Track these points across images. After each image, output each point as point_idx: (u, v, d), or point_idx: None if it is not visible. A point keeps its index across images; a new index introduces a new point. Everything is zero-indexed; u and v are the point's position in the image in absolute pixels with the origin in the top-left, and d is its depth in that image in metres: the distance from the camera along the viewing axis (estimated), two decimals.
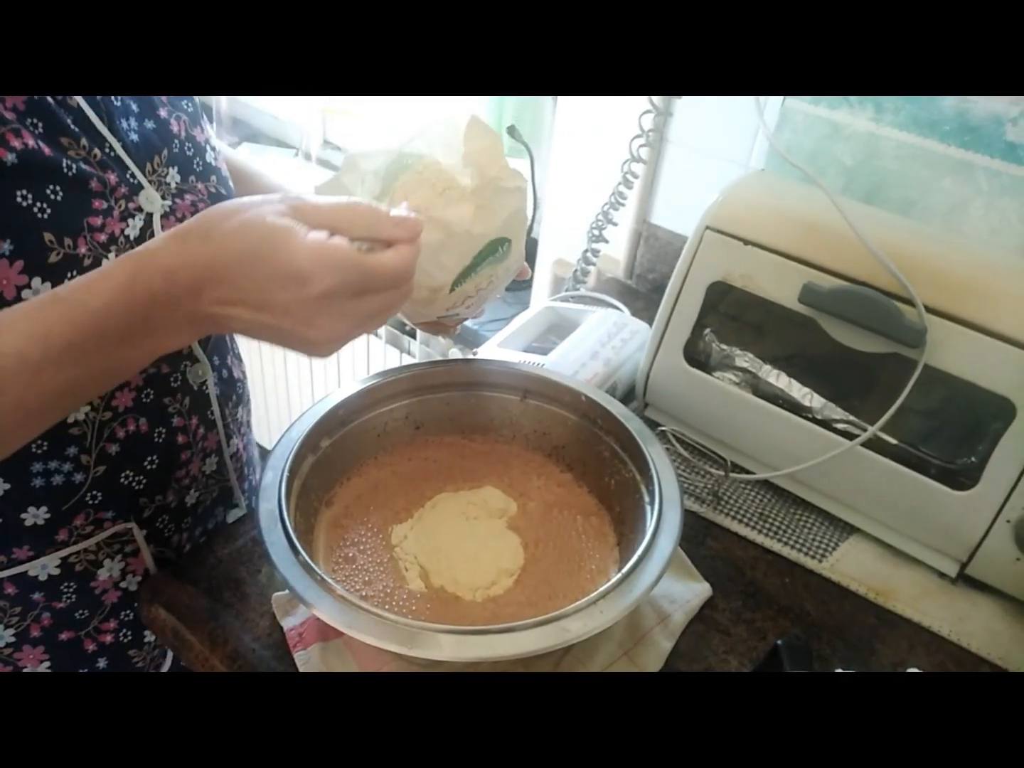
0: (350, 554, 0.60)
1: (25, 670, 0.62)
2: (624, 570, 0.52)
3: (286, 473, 0.57)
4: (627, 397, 0.84)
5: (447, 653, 0.47)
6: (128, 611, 0.64)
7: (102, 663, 0.64)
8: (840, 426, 0.69)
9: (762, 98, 0.72)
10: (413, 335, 1.27)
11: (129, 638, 0.65)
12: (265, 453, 0.64)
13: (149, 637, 0.67)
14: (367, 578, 0.58)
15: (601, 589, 0.51)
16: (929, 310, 0.63)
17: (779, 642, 0.50)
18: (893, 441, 0.67)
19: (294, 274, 0.43)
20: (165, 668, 0.69)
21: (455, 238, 0.54)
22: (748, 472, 0.75)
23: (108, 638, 0.64)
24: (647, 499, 0.60)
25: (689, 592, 0.63)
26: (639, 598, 0.51)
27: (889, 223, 0.73)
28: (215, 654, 0.57)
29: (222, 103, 1.96)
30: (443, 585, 0.58)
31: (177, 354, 0.61)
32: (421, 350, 1.28)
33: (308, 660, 0.56)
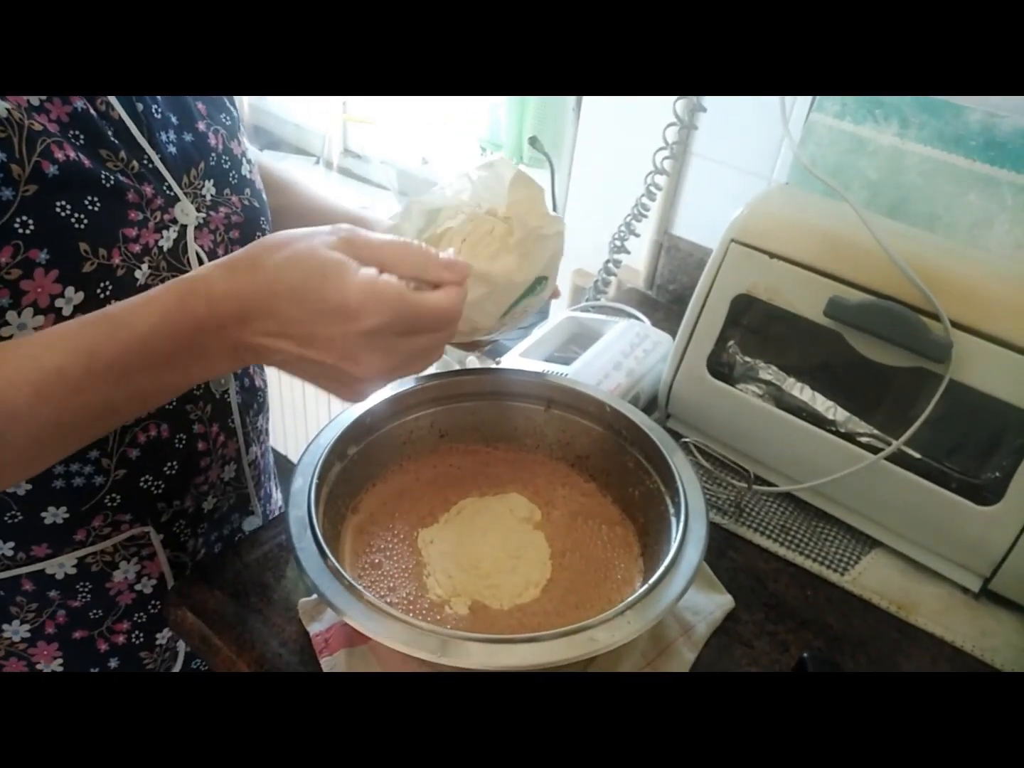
0: (376, 560, 0.60)
1: (38, 666, 0.62)
2: (651, 581, 0.53)
3: (315, 480, 0.58)
4: (649, 408, 0.84)
5: (475, 661, 0.48)
6: (141, 613, 0.65)
7: (113, 663, 0.65)
8: (864, 440, 0.69)
9: (788, 109, 0.73)
10: None
11: (141, 640, 0.66)
12: (280, 460, 0.64)
13: (161, 639, 0.67)
14: (392, 584, 0.59)
15: (628, 600, 0.51)
16: (955, 325, 0.63)
17: (805, 655, 0.50)
18: (917, 455, 0.67)
19: (344, 308, 0.43)
20: (176, 671, 0.70)
21: (499, 289, 0.56)
22: (771, 484, 0.75)
23: (120, 639, 0.65)
24: (672, 510, 0.60)
25: (712, 604, 0.64)
26: (666, 609, 0.51)
27: (914, 237, 0.73)
28: (242, 659, 0.58)
29: (244, 110, 1.98)
30: (469, 593, 0.59)
31: None
32: (441, 359, 1.28)
33: (334, 666, 0.56)
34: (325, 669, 0.56)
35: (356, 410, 0.65)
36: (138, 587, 0.64)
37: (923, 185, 0.83)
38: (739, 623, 0.63)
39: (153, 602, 0.65)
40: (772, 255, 0.70)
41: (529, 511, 0.66)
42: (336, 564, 0.52)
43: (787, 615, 0.64)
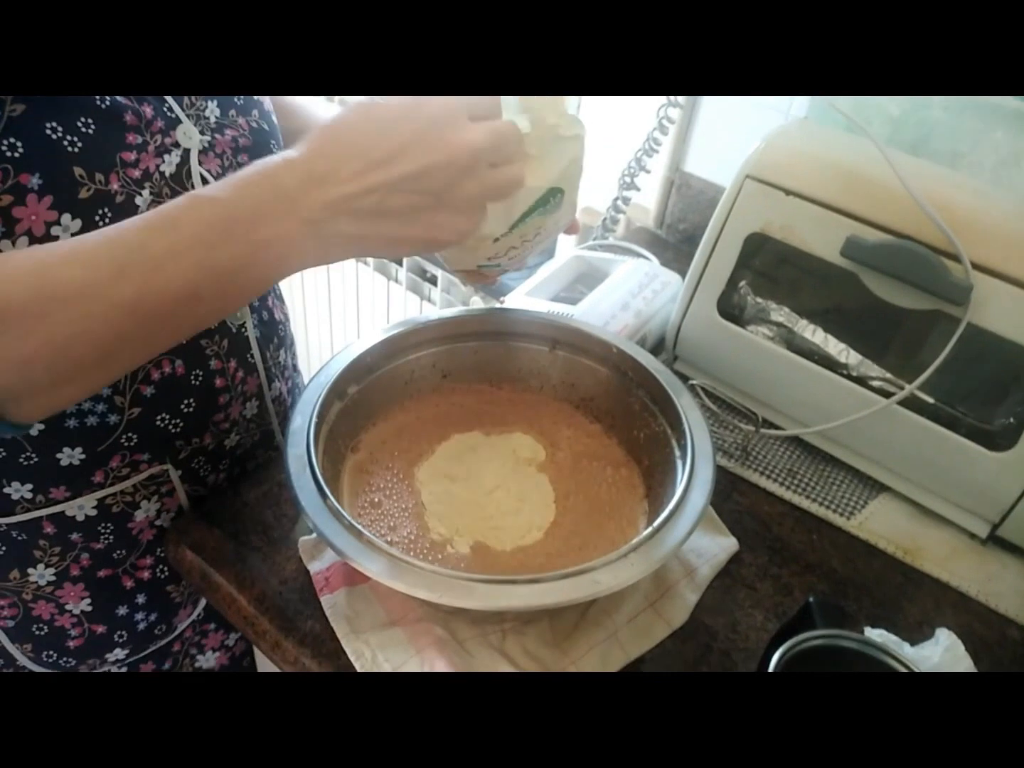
0: (376, 499, 0.60)
1: (67, 607, 0.62)
2: (656, 523, 0.52)
3: (314, 419, 0.57)
4: (656, 349, 0.83)
5: (476, 602, 0.47)
6: (163, 547, 0.65)
7: (141, 599, 0.65)
8: (876, 383, 0.68)
9: None
10: (434, 282, 1.26)
11: (166, 574, 0.66)
12: None
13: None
14: (392, 524, 0.58)
15: (632, 542, 0.50)
16: (975, 266, 0.61)
17: (811, 599, 0.49)
18: (930, 400, 0.65)
19: (451, 121, 0.44)
20: (203, 603, 0.70)
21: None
22: (778, 428, 0.74)
23: (146, 574, 0.64)
24: (678, 453, 0.59)
25: (716, 546, 0.63)
26: (670, 552, 0.51)
27: (936, 176, 0.70)
28: (242, 596, 0.57)
29: None
30: (471, 534, 0.58)
31: None
32: (442, 298, 1.26)
33: (334, 604, 0.56)
34: (326, 607, 0.56)
35: (356, 349, 0.63)
36: (159, 523, 0.64)
37: (947, 121, 0.80)
38: (743, 566, 0.63)
39: None
40: (788, 192, 0.68)
41: (533, 451, 0.65)
42: (335, 503, 0.51)
43: (792, 558, 0.64)
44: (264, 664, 0.76)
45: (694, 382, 0.74)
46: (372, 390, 0.65)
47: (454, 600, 0.47)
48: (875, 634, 0.54)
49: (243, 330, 0.63)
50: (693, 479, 0.55)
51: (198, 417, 0.62)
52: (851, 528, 0.66)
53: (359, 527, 0.50)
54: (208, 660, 0.72)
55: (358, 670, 0.53)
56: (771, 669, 0.43)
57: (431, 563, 0.54)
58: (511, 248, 0.57)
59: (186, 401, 0.60)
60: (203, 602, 0.70)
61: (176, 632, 0.69)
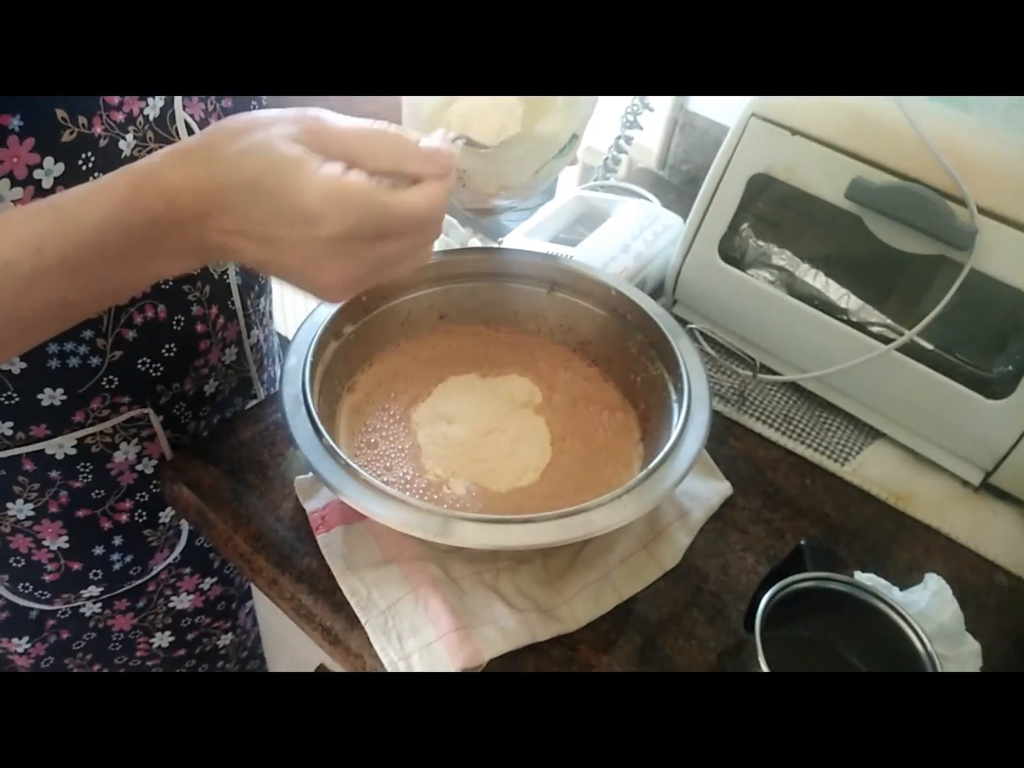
0: (372, 440, 0.60)
1: (44, 542, 0.63)
2: (650, 466, 0.52)
3: (309, 358, 0.56)
4: (656, 293, 0.82)
5: (470, 540, 0.48)
6: (143, 493, 0.65)
7: (117, 540, 0.65)
8: (875, 329, 0.67)
9: None
10: None
11: (144, 518, 0.66)
12: (284, 343, 0.63)
13: (164, 518, 0.68)
14: (388, 464, 0.58)
15: (626, 484, 0.51)
16: (982, 211, 0.60)
17: (802, 542, 0.49)
18: (929, 347, 0.65)
19: (302, 213, 0.38)
20: (179, 548, 0.71)
21: (543, 146, 0.55)
22: (776, 373, 0.74)
23: (124, 517, 0.65)
24: (674, 397, 0.59)
25: (709, 490, 0.63)
26: (663, 495, 0.51)
27: (946, 116, 0.68)
28: (239, 533, 0.58)
29: None
30: (467, 475, 0.58)
31: None
32: (441, 240, 1.24)
33: (330, 542, 0.56)
34: (322, 545, 0.56)
35: None
36: (139, 467, 0.64)
37: None
38: (736, 510, 0.63)
39: (155, 482, 0.65)
40: (794, 132, 0.66)
41: (530, 394, 0.65)
42: (331, 442, 0.51)
43: (784, 503, 0.64)
44: (273, 660, 0.77)
45: (693, 326, 0.73)
46: (368, 330, 0.64)
47: (448, 539, 0.48)
48: (865, 578, 0.54)
49: (225, 277, 0.63)
50: (688, 423, 0.55)
51: (179, 362, 0.61)
52: (845, 474, 0.67)
53: (354, 465, 0.50)
54: (182, 602, 0.73)
55: (353, 607, 0.53)
56: (760, 610, 0.43)
57: (427, 503, 0.55)
58: (525, 188, 0.58)
59: (167, 346, 0.60)
60: (180, 546, 0.71)
61: (151, 573, 0.70)
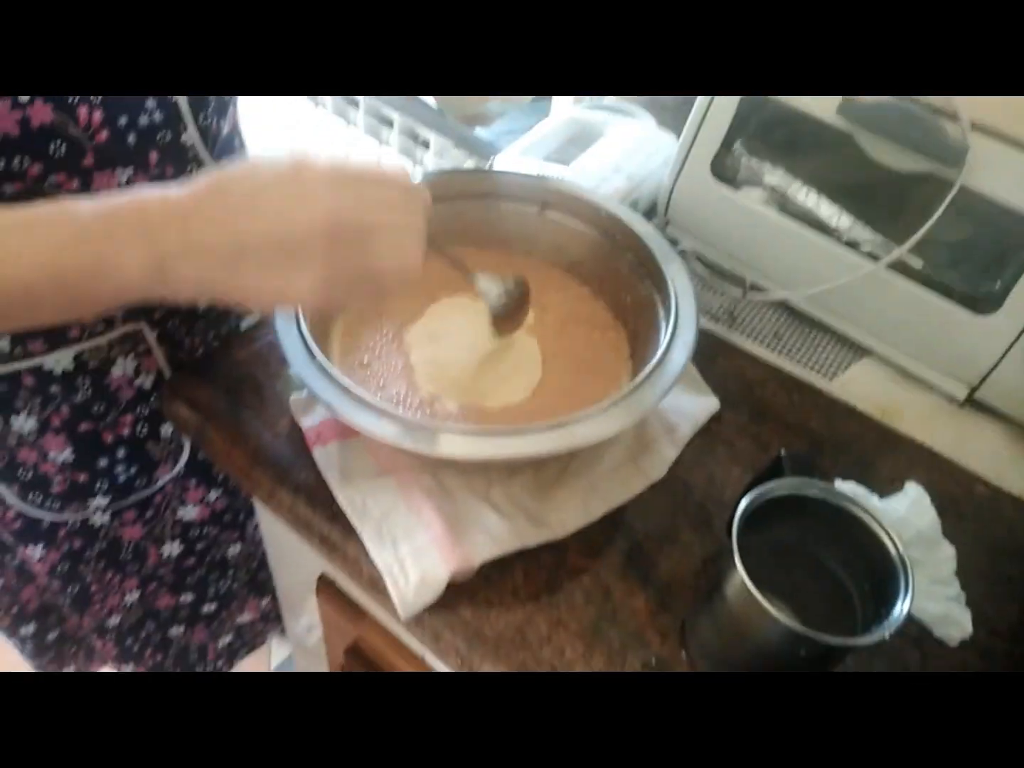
0: (364, 359, 0.61)
1: (50, 455, 0.65)
2: (636, 380, 0.53)
3: None
4: (649, 213, 0.82)
5: (459, 452, 0.49)
6: (144, 407, 0.67)
7: (121, 453, 0.68)
8: (866, 248, 0.67)
9: None
10: (427, 146, 1.22)
11: (146, 432, 0.68)
12: None
13: (166, 432, 0.70)
14: (381, 383, 0.59)
15: (612, 397, 0.52)
16: (974, 127, 0.59)
17: (782, 451, 0.51)
18: (918, 265, 0.65)
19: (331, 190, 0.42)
20: (182, 462, 0.73)
21: None
22: (759, 289, 0.74)
23: (126, 431, 0.67)
24: (663, 316, 0.60)
25: (697, 406, 0.64)
26: (648, 408, 0.52)
27: None
28: (237, 448, 0.60)
29: None
30: (459, 393, 0.60)
31: (181, 156, 0.59)
32: (436, 163, 1.23)
33: (326, 456, 0.58)
34: (318, 459, 0.58)
35: None
36: (137, 382, 0.66)
37: None
38: (723, 424, 0.65)
39: (154, 396, 0.67)
40: None
41: None
42: (324, 360, 0.52)
43: (771, 418, 0.66)
44: (278, 571, 0.80)
45: (683, 247, 0.74)
46: None
47: (437, 450, 0.49)
48: (845, 486, 0.56)
49: None
50: (675, 341, 0.56)
51: None
52: (832, 390, 0.68)
53: (345, 382, 0.51)
54: (189, 513, 0.76)
55: (348, 516, 0.55)
56: (737, 516, 0.45)
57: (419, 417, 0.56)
58: None
59: None
60: (183, 460, 0.73)
61: (157, 486, 0.72)
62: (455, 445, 0.49)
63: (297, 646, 0.97)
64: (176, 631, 0.87)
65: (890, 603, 0.44)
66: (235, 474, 0.61)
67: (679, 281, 0.60)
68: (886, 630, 0.41)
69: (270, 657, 1.23)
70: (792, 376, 0.69)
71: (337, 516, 0.56)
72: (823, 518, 0.48)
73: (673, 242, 0.76)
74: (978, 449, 0.65)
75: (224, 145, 0.63)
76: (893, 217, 0.67)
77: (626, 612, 0.54)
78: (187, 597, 0.84)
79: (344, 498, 0.56)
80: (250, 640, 0.97)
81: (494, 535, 0.54)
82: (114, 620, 0.81)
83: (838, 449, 0.64)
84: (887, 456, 0.64)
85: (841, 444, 0.64)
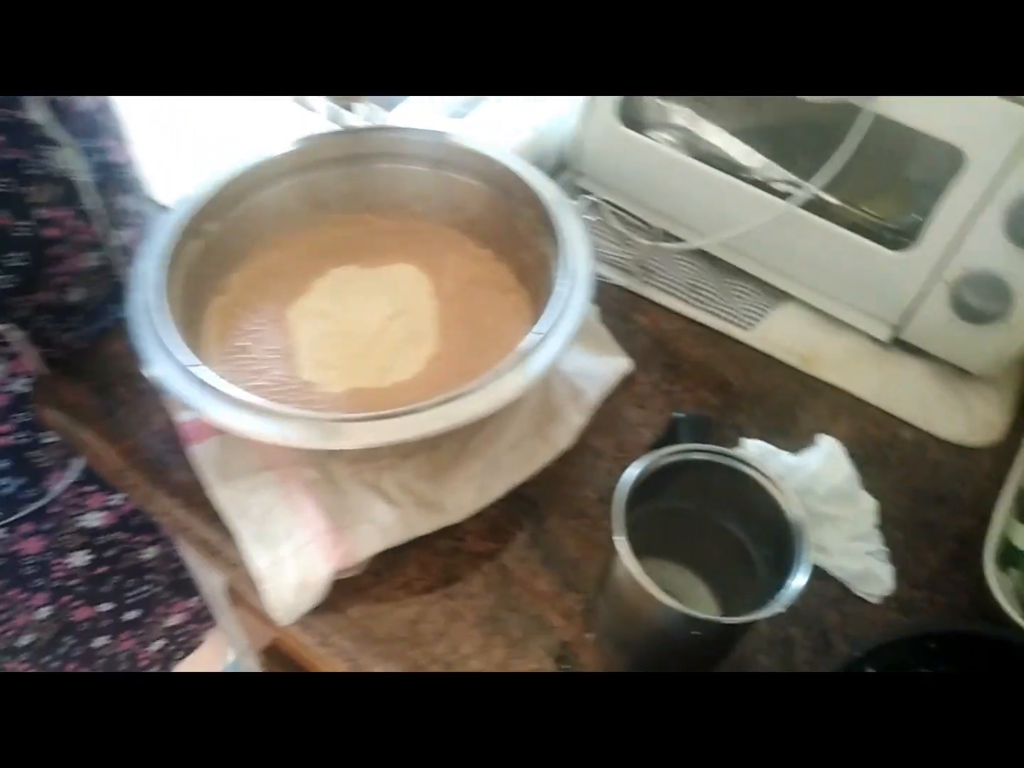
0: (243, 344, 0.57)
1: None
2: (523, 347, 0.49)
3: (162, 261, 0.53)
4: (560, 166, 0.77)
5: (320, 442, 0.45)
6: (19, 414, 0.62)
7: (3, 464, 0.64)
8: (780, 187, 0.63)
9: None
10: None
11: (27, 440, 0.64)
12: None
13: (49, 438, 0.66)
14: (259, 368, 0.55)
15: (503, 363, 0.48)
16: None
17: (676, 415, 0.47)
18: (834, 201, 0.61)
19: None
20: (76, 468, 0.69)
21: None
22: (676, 239, 0.70)
23: (9, 440, 0.63)
24: (558, 275, 0.56)
25: (606, 367, 0.61)
26: (535, 378, 0.48)
27: None
28: (113, 449, 0.56)
29: None
30: (345, 372, 0.56)
31: (28, 135, 0.54)
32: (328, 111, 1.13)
33: (204, 453, 0.54)
34: (195, 456, 0.54)
35: (213, 181, 0.58)
36: (11, 387, 0.61)
37: None
38: (635, 384, 0.61)
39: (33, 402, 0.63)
40: None
41: (415, 282, 0.62)
42: (185, 354, 0.48)
43: (685, 374, 0.62)
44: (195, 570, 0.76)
45: (590, 198, 0.69)
46: (237, 226, 0.60)
47: (316, 442, 0.46)
48: (752, 444, 0.53)
49: (72, 174, 0.58)
50: (569, 300, 0.52)
51: (32, 271, 0.58)
52: (749, 340, 0.64)
53: (206, 377, 0.47)
54: (92, 519, 0.72)
55: (227, 518, 0.52)
56: (618, 496, 0.41)
57: (297, 405, 0.52)
58: None
59: (16, 255, 0.56)
60: (78, 465, 0.69)
61: (51, 495, 0.68)
62: (339, 435, 0.46)
63: (231, 645, 0.95)
64: (100, 641, 0.84)
65: (788, 572, 0.41)
66: (111, 478, 0.57)
67: (573, 235, 0.56)
68: (780, 604, 0.38)
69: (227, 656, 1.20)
70: (708, 328, 0.65)
71: (217, 518, 0.52)
72: (720, 483, 0.45)
73: (586, 194, 0.72)
74: (904, 392, 0.62)
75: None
76: (807, 153, 0.63)
77: (528, 596, 0.51)
78: (105, 606, 0.80)
79: (222, 499, 0.52)
80: (184, 642, 0.94)
81: (382, 526, 0.51)
82: (27, 639, 0.78)
83: (755, 402, 0.61)
84: (808, 406, 0.61)
85: (759, 397, 0.61)
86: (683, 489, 0.46)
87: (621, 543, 0.40)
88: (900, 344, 0.64)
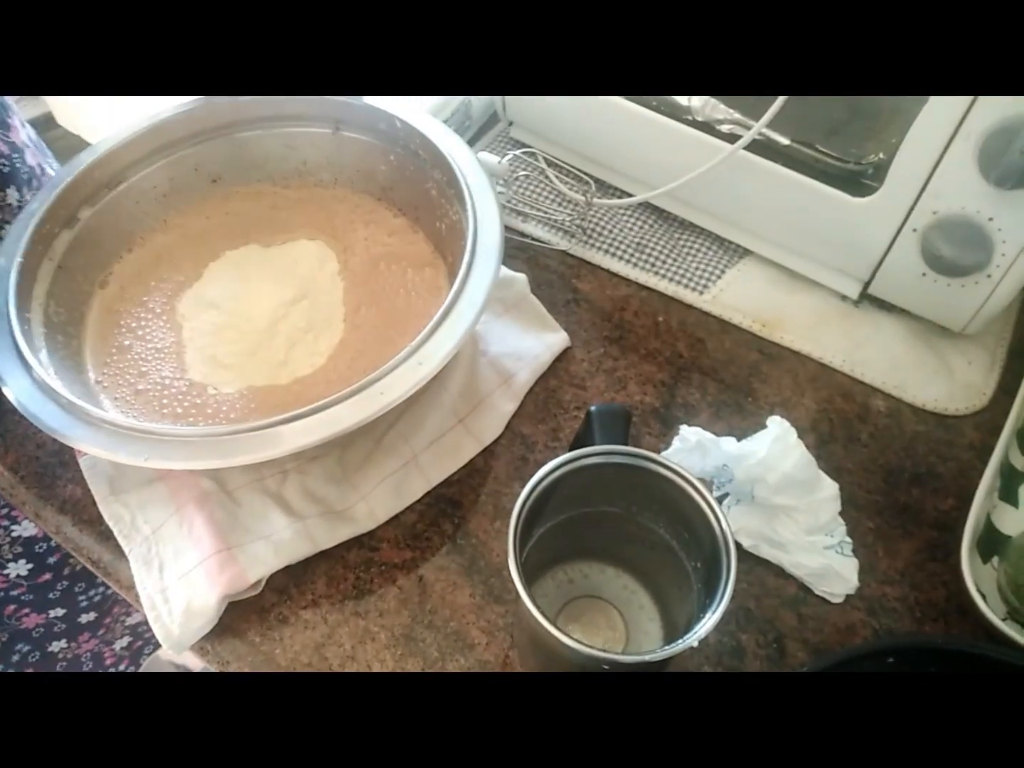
0: (125, 343, 0.51)
1: None
2: (425, 330, 0.43)
3: (23, 258, 0.47)
4: (491, 119, 0.69)
5: (226, 458, 0.40)
6: None
7: None
8: (725, 128, 0.56)
9: None
10: None
11: None
12: None
13: None
14: (143, 369, 0.50)
15: (412, 343, 0.42)
16: None
17: (591, 409, 0.41)
18: (784, 141, 0.54)
19: None
20: None
21: None
22: (626, 195, 0.63)
23: None
24: (469, 244, 0.49)
25: (540, 345, 0.55)
26: (439, 362, 0.42)
27: None
28: (0, 462, 0.51)
29: None
30: (238, 368, 0.50)
31: None
32: None
33: (95, 464, 0.49)
34: (84, 468, 0.49)
35: (81, 160, 0.52)
36: None
37: None
38: (573, 362, 0.55)
39: None
40: None
41: (320, 260, 0.55)
42: (37, 365, 0.43)
43: (631, 348, 0.56)
44: None
45: (530, 149, 0.62)
46: (116, 208, 0.54)
47: (199, 462, 0.40)
48: (690, 432, 0.47)
49: None
50: (471, 271, 0.46)
51: None
52: (703, 304, 0.57)
53: (60, 389, 0.42)
54: (26, 529, 0.68)
55: (116, 535, 0.47)
56: (517, 510, 0.36)
57: (183, 412, 0.47)
58: None
59: None
60: None
61: None
62: (222, 451, 0.40)
63: None
64: (58, 645, 0.80)
65: (713, 591, 0.35)
66: (1, 492, 0.52)
67: (482, 198, 0.49)
68: (693, 639, 0.33)
69: None
70: (658, 292, 0.59)
71: (108, 535, 0.48)
72: (645, 487, 0.39)
73: (522, 146, 0.65)
74: (876, 356, 0.55)
75: None
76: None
77: (447, 611, 0.45)
78: (56, 612, 0.77)
79: (111, 514, 0.48)
80: (152, 637, 0.91)
81: (279, 543, 0.45)
82: None
83: (708, 375, 0.54)
84: (767, 377, 0.54)
85: (711, 368, 0.55)
86: (608, 492, 0.40)
87: (514, 570, 0.34)
88: (871, 301, 0.57)
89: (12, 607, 0.74)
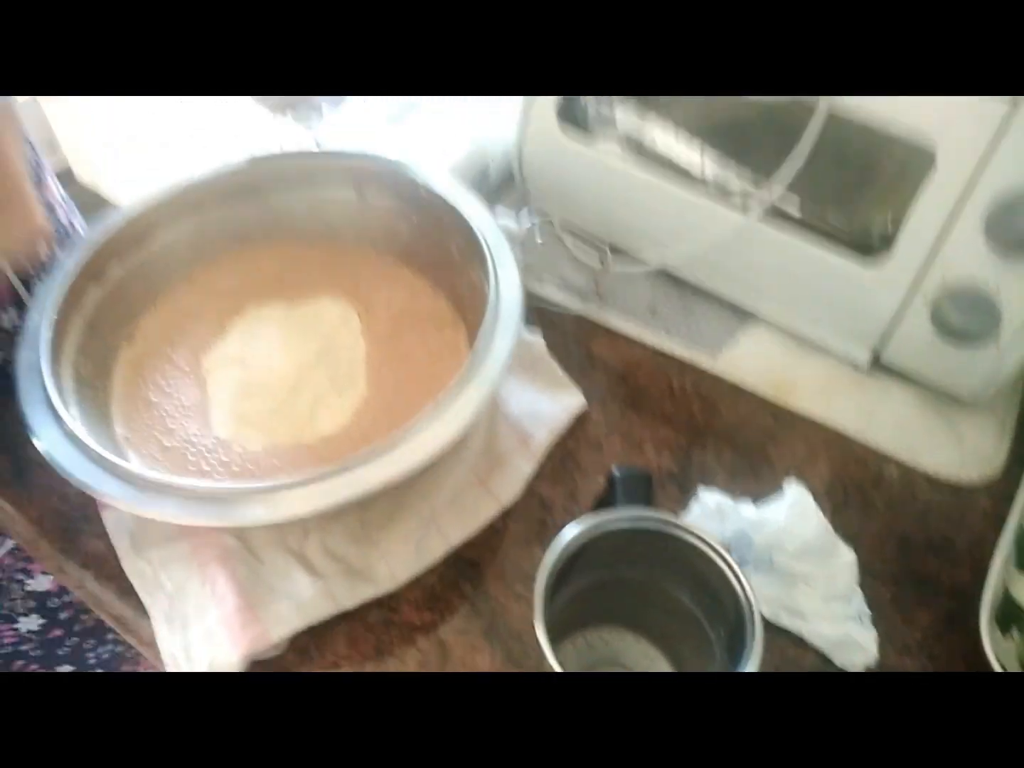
0: (153, 398, 0.52)
1: None
2: (447, 392, 0.44)
3: (54, 314, 0.48)
4: (507, 181, 0.71)
5: (254, 516, 0.41)
6: None
7: None
8: (737, 199, 0.57)
9: None
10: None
11: None
12: None
13: None
14: (169, 425, 0.50)
15: (437, 404, 0.43)
16: None
17: (614, 471, 0.42)
18: (796, 213, 0.55)
19: None
20: None
21: None
22: (639, 263, 0.64)
23: None
24: (492, 306, 0.50)
25: (557, 407, 0.56)
26: (465, 426, 0.43)
27: None
28: (21, 516, 0.51)
29: None
30: (263, 426, 0.51)
31: None
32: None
33: (118, 519, 0.49)
34: (107, 523, 0.49)
35: (114, 220, 0.53)
36: None
37: None
38: (590, 424, 0.56)
39: None
40: None
41: (343, 319, 0.57)
42: (68, 417, 0.43)
43: (646, 410, 0.57)
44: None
45: (540, 216, 0.64)
46: (146, 265, 0.55)
47: (226, 520, 0.41)
48: (710, 498, 0.47)
49: None
50: (495, 335, 0.47)
51: None
52: (716, 369, 0.59)
53: (92, 444, 0.42)
54: (42, 583, 0.68)
55: (137, 591, 0.47)
56: (539, 585, 0.36)
57: (209, 470, 0.48)
58: None
59: None
60: None
61: None
62: (249, 509, 0.41)
63: None
64: None
65: (736, 660, 0.35)
66: (24, 546, 0.53)
67: (502, 262, 0.51)
68: None
69: None
70: (671, 356, 0.60)
71: (130, 591, 0.48)
72: (668, 552, 0.40)
73: (537, 212, 0.66)
74: (887, 421, 0.56)
75: None
76: (762, 155, 0.57)
77: None
78: (64, 668, 0.76)
79: (133, 571, 0.48)
80: None
81: (301, 602, 0.46)
82: None
83: (723, 439, 0.55)
84: (782, 442, 0.55)
85: (726, 433, 0.56)
86: (630, 556, 0.41)
87: (540, 631, 0.35)
88: (881, 368, 0.58)
89: (20, 662, 0.73)
